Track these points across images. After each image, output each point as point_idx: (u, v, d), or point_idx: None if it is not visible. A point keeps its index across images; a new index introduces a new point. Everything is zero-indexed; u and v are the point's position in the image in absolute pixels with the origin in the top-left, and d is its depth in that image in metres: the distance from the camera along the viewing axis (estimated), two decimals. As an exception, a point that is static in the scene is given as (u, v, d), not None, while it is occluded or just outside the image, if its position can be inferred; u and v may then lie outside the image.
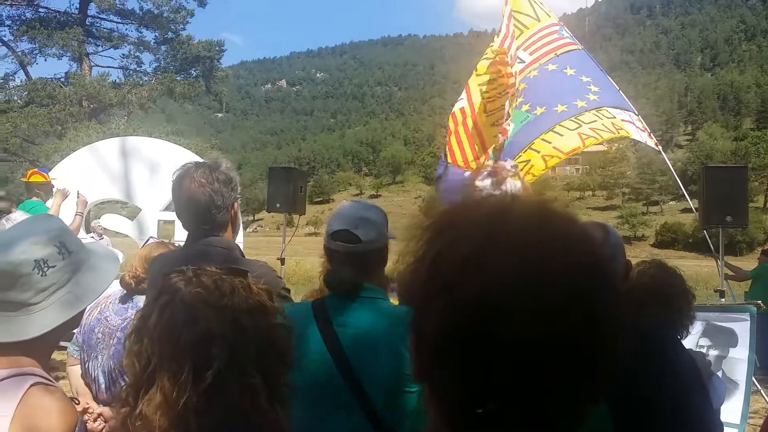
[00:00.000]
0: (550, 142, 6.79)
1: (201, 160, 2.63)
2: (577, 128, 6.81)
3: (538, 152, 6.78)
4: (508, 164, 8.29)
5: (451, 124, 7.40)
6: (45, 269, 1.57)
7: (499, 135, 6.87)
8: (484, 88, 7.27)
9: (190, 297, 1.24)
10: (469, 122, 7.35)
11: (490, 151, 7.06)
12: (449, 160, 7.27)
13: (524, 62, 7.59)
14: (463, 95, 7.53)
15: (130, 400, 1.24)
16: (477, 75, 7.34)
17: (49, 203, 7.10)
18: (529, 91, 7.31)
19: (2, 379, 1.50)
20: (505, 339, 0.64)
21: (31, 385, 1.49)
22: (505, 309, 0.64)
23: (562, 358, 0.65)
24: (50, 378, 1.63)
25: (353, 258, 2.16)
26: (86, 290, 1.67)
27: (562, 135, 6.77)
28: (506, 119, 6.71)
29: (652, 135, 7.38)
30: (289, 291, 2.57)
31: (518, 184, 8.60)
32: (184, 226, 2.54)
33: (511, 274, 0.65)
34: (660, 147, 7.72)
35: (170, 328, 1.21)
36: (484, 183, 9.04)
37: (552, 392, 0.66)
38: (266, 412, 1.23)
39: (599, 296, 0.69)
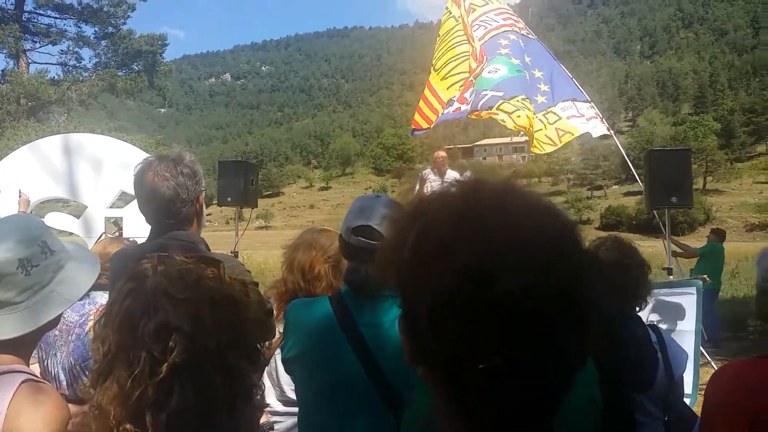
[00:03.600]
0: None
1: (148, 155, 2.56)
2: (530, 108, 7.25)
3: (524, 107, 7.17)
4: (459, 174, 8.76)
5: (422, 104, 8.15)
6: (29, 268, 1.58)
7: (467, 77, 7.54)
8: (440, 66, 7.83)
9: (153, 286, 1.19)
10: (429, 95, 7.87)
11: (449, 98, 7.72)
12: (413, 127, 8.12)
13: (490, 26, 8.14)
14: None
15: (93, 386, 1.21)
16: (435, 70, 7.93)
17: None
18: (515, 49, 7.86)
19: None
20: (500, 296, 0.66)
21: (22, 382, 1.50)
22: (497, 266, 0.67)
23: (557, 309, 0.68)
24: (37, 375, 1.62)
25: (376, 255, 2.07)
26: (69, 289, 1.68)
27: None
28: (478, 59, 7.48)
29: (603, 120, 7.64)
30: (257, 284, 2.51)
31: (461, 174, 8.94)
32: (147, 220, 2.46)
33: (495, 236, 0.69)
34: (612, 131, 7.97)
35: (130, 316, 1.17)
36: (428, 173, 9.43)
37: (552, 343, 0.69)
38: (220, 413, 1.18)
39: (579, 251, 0.75)
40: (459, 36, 8.21)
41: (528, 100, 7.25)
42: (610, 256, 2.42)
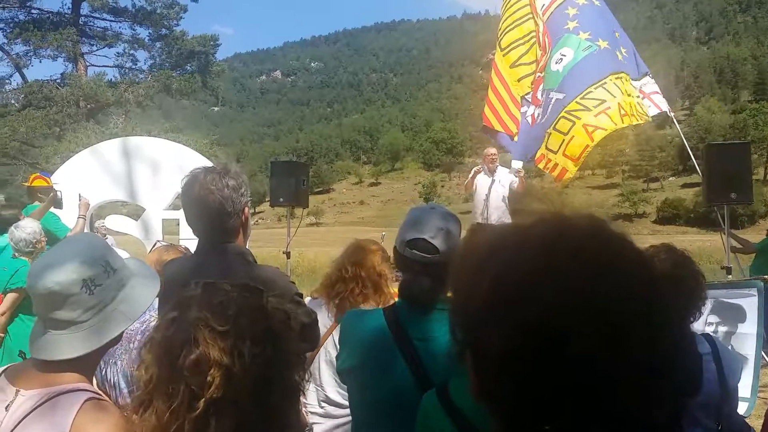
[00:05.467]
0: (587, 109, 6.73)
1: (203, 158, 2.60)
2: (601, 104, 6.68)
3: (578, 119, 6.68)
4: (515, 165, 8.52)
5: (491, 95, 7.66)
6: (92, 288, 1.62)
7: (536, 72, 7.19)
8: (507, 45, 7.57)
9: (194, 317, 1.19)
10: (499, 86, 7.48)
11: (521, 95, 7.41)
12: (485, 124, 7.71)
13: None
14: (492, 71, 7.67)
15: (135, 412, 1.22)
16: (501, 49, 7.57)
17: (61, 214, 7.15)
18: (584, 16, 7.37)
19: (57, 395, 1.54)
20: (573, 356, 0.64)
21: (86, 401, 1.54)
22: (569, 328, 0.65)
23: (629, 377, 0.65)
24: (101, 393, 1.67)
25: (432, 269, 2.06)
26: (131, 307, 1.72)
27: (590, 110, 6.69)
28: (542, 46, 7.16)
29: (665, 100, 7.34)
30: (301, 296, 2.55)
31: (514, 177, 8.77)
32: (195, 232, 2.51)
33: (573, 292, 0.66)
34: (672, 113, 7.66)
35: (171, 347, 1.18)
36: (480, 168, 9.18)
37: (621, 409, 0.66)
38: None
39: (660, 315, 0.70)
40: (524, 7, 7.69)
41: (597, 86, 6.76)
42: (663, 267, 2.37)
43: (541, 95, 7.22)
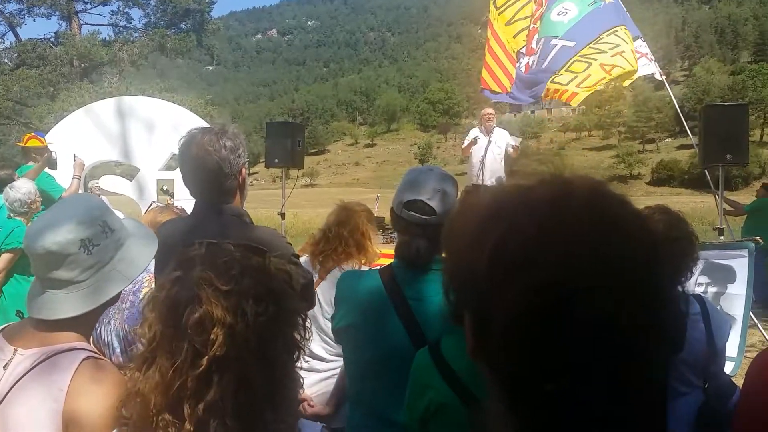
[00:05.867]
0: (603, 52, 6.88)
1: (198, 118, 2.59)
2: (615, 48, 6.86)
3: (595, 60, 6.77)
4: (508, 135, 8.53)
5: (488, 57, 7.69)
6: (90, 248, 1.63)
7: (531, 24, 7.27)
8: (502, 4, 7.62)
9: (198, 276, 1.20)
10: (495, 46, 7.59)
11: (516, 50, 7.45)
12: (483, 87, 7.77)
13: None
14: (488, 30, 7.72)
15: (138, 370, 1.24)
16: (496, 8, 7.60)
17: (56, 175, 7.12)
18: None
19: (55, 354, 1.56)
20: (582, 317, 0.65)
21: (84, 359, 1.56)
22: (579, 288, 0.65)
23: (638, 333, 0.66)
24: (98, 352, 1.70)
25: (429, 230, 2.07)
26: (129, 267, 1.73)
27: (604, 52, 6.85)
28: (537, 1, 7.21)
29: (656, 64, 7.39)
30: (298, 257, 2.57)
31: (508, 137, 8.78)
32: (192, 193, 2.51)
33: (581, 252, 0.67)
34: (664, 77, 7.70)
35: (174, 305, 1.19)
36: (476, 130, 9.21)
37: (627, 366, 0.67)
38: (260, 405, 1.19)
39: (664, 271, 0.71)
40: None
41: (608, 33, 6.91)
42: (658, 228, 2.39)
43: (536, 44, 7.25)
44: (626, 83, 7.27)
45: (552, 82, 6.87)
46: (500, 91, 7.65)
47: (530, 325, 0.67)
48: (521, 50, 7.44)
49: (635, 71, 6.87)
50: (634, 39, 7.26)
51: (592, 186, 0.73)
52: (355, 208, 3.46)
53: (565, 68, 6.87)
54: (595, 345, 0.65)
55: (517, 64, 7.51)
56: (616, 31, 6.93)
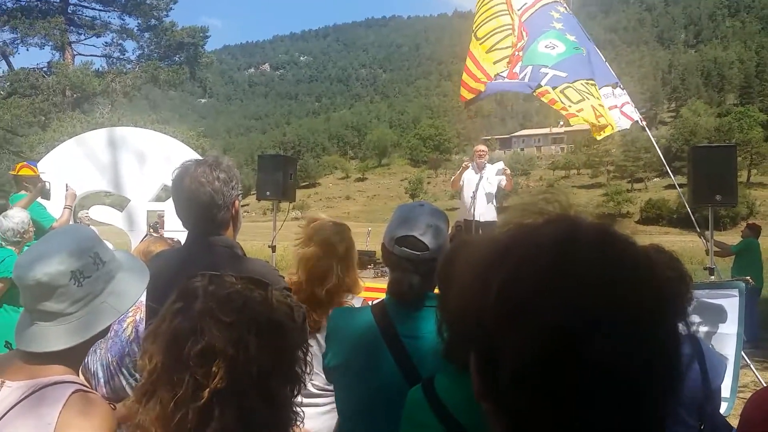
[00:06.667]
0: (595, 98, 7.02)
1: (189, 150, 2.59)
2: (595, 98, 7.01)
3: (587, 100, 6.90)
4: (496, 166, 8.56)
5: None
6: (81, 280, 1.60)
7: (513, 52, 7.30)
8: (483, 35, 7.69)
9: (201, 308, 1.20)
10: (471, 65, 7.58)
11: (495, 70, 7.45)
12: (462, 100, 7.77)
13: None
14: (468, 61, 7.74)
15: (138, 402, 1.23)
16: (477, 39, 7.71)
17: (45, 202, 7.07)
18: (569, 23, 7.65)
19: (43, 387, 1.53)
20: (592, 358, 0.65)
21: (72, 393, 1.52)
22: (588, 329, 0.65)
23: (645, 378, 0.66)
24: (88, 385, 1.66)
25: (421, 266, 2.06)
26: (120, 300, 1.70)
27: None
28: (517, 36, 7.27)
29: (636, 110, 7.50)
30: (290, 290, 2.54)
31: (501, 176, 8.83)
32: (184, 224, 2.50)
33: (589, 295, 0.66)
34: (645, 122, 7.82)
35: (176, 337, 1.18)
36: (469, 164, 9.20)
37: (636, 411, 0.67)
38: None
39: (671, 314, 0.71)
40: (501, 4, 7.89)
41: (592, 83, 7.04)
42: (664, 270, 2.38)
43: (521, 71, 7.31)
44: (600, 137, 7.31)
45: (548, 92, 6.96)
46: (479, 90, 7.58)
47: (541, 367, 0.66)
48: (502, 73, 7.49)
49: (610, 126, 7.01)
50: (614, 87, 7.44)
51: (599, 227, 0.73)
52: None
53: (559, 90, 6.95)
54: (604, 386, 0.65)
55: (498, 76, 7.58)
56: (591, 82, 7.12)
